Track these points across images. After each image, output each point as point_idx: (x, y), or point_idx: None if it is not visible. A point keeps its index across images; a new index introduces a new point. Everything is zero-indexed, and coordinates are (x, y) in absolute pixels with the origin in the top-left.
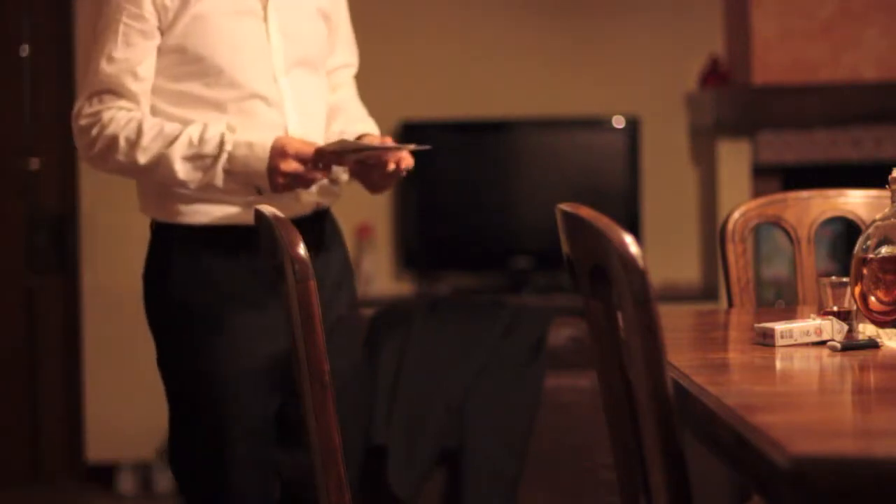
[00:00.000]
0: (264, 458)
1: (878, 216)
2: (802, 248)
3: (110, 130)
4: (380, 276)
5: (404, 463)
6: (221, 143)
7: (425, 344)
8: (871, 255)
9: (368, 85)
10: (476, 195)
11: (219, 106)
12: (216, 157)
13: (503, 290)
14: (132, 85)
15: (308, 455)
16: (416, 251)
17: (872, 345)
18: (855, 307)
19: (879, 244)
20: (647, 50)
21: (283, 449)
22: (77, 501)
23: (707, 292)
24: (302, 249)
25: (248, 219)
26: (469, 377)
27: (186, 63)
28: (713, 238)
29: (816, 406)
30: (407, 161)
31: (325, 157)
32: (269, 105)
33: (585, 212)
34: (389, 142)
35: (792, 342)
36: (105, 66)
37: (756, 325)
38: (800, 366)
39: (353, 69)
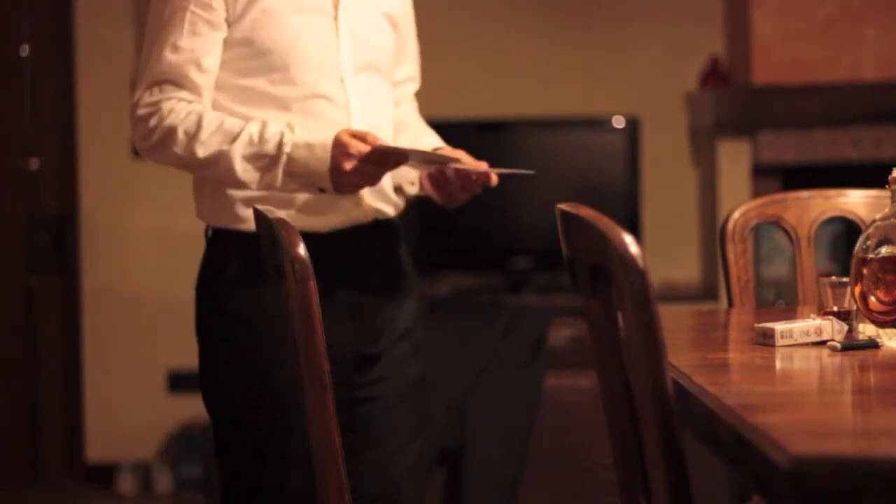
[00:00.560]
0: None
1: (878, 216)
2: (802, 248)
3: (169, 122)
4: None
5: None
6: (280, 145)
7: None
8: (871, 255)
9: None
10: (476, 195)
11: (282, 104)
12: (276, 158)
13: (503, 290)
14: (195, 76)
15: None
16: (415, 251)
17: (872, 345)
18: (855, 307)
19: (879, 244)
20: (647, 50)
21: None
22: (77, 501)
23: (707, 292)
24: (302, 249)
25: (310, 225)
26: (469, 377)
27: (252, 57)
28: (713, 238)
29: (816, 406)
30: (493, 179)
31: (385, 156)
32: (334, 106)
33: (585, 212)
34: (463, 155)
35: (792, 342)
36: (169, 55)
37: (756, 325)
38: (800, 366)
39: (416, 85)
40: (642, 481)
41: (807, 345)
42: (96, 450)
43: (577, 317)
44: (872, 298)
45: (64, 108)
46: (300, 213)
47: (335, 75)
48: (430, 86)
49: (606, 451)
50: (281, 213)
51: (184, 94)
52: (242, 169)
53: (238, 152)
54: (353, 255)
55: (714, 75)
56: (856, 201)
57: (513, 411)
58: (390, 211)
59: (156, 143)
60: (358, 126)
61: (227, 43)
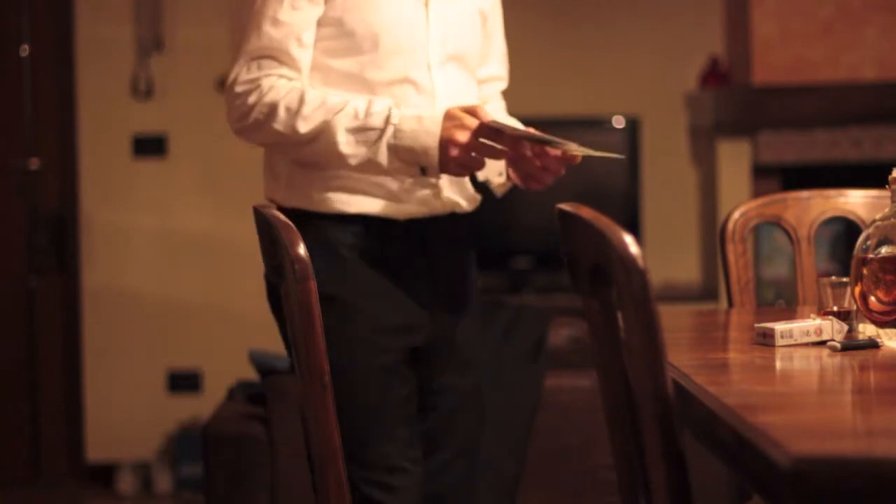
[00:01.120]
0: (404, 438)
1: (878, 216)
2: (802, 248)
3: (269, 98)
4: None
5: None
6: (388, 118)
7: None
8: (871, 255)
9: None
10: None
11: (369, 87)
12: (382, 131)
13: (503, 290)
14: (296, 51)
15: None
16: None
17: (872, 345)
18: (855, 307)
19: (879, 244)
20: (647, 50)
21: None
22: (77, 501)
23: (707, 292)
24: (302, 249)
25: (390, 211)
26: None
27: (341, 37)
28: (713, 238)
29: (816, 406)
30: (577, 159)
31: (494, 136)
32: (420, 93)
33: (585, 212)
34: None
35: (792, 342)
36: (270, 29)
37: (756, 325)
38: (800, 366)
39: (504, 84)
40: (642, 481)
41: (807, 345)
42: (96, 450)
43: (577, 317)
44: (872, 298)
45: (64, 108)
46: (378, 199)
47: (423, 62)
48: None
49: (606, 451)
50: (358, 199)
51: (284, 70)
52: (345, 142)
53: (342, 125)
54: (430, 244)
55: (714, 75)
56: (856, 201)
57: (513, 411)
58: (466, 205)
59: (254, 122)
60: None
61: (318, 21)
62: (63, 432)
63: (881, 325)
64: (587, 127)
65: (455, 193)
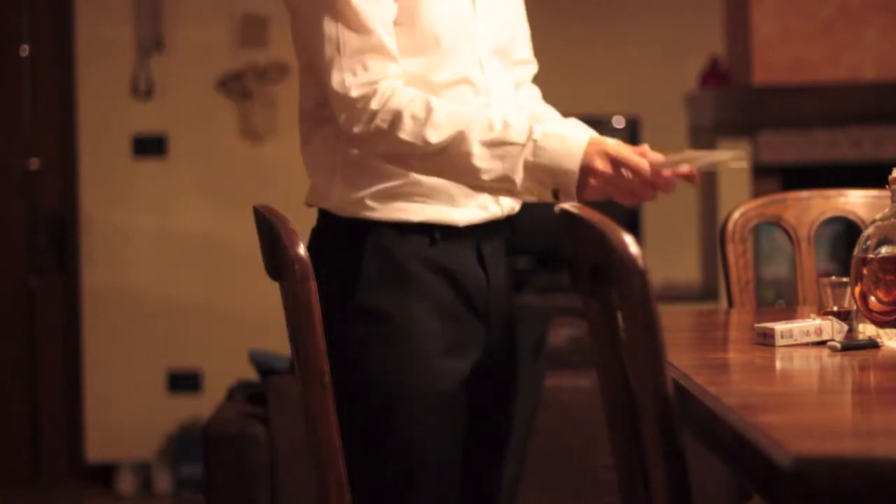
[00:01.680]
0: (451, 484)
1: (878, 216)
2: (802, 248)
3: (393, 104)
4: None
5: None
6: (530, 133)
7: None
8: (871, 255)
9: None
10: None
11: (432, 89)
12: (522, 147)
13: None
14: (389, 41)
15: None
16: None
17: (872, 345)
18: (855, 307)
19: (879, 244)
20: (647, 50)
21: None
22: (77, 501)
23: (707, 292)
24: (302, 249)
25: (453, 217)
26: None
27: (408, 35)
28: (713, 238)
29: (816, 406)
30: (693, 178)
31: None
32: (476, 92)
33: (586, 212)
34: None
35: (792, 342)
36: (362, 24)
37: (756, 325)
38: (800, 366)
39: (535, 68)
40: (642, 481)
41: (807, 345)
42: (96, 450)
43: (577, 317)
44: (872, 298)
45: (64, 108)
46: (440, 205)
47: (475, 60)
48: None
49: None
50: (419, 206)
51: (390, 66)
52: (480, 155)
53: (476, 137)
54: (486, 252)
55: (714, 75)
56: (856, 201)
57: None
58: (517, 207)
59: (376, 130)
60: (497, 112)
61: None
62: (63, 432)
63: (881, 325)
64: None
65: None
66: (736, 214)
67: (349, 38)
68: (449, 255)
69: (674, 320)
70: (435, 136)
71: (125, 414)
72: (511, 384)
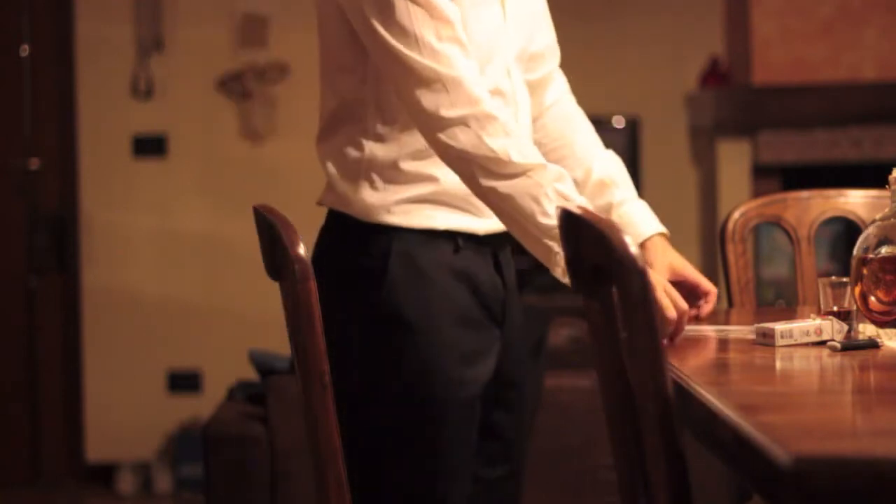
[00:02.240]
0: (465, 487)
1: (878, 216)
2: (802, 248)
3: (488, 106)
4: None
5: None
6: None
7: None
8: (871, 255)
9: None
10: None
11: None
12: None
13: None
14: (462, 35)
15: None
16: None
17: (872, 345)
18: (855, 307)
19: (879, 244)
20: (647, 50)
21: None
22: (77, 501)
23: None
24: (302, 249)
25: (475, 227)
26: None
27: None
28: (713, 238)
29: (816, 406)
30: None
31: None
32: (508, 104)
33: (586, 212)
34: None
35: (792, 342)
36: (451, 15)
37: (756, 325)
38: (800, 366)
39: (558, 53)
40: (642, 481)
41: (807, 345)
42: (96, 450)
43: (577, 317)
44: (872, 298)
45: (64, 108)
46: (465, 214)
47: (504, 67)
48: None
49: (606, 451)
50: (445, 213)
51: (473, 64)
52: (551, 196)
53: (552, 178)
54: (501, 260)
55: (714, 75)
56: (856, 201)
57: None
58: None
59: (466, 120)
60: (523, 123)
61: None
62: (63, 432)
63: (881, 325)
64: None
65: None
66: (736, 214)
67: (439, 27)
68: (470, 262)
69: None
70: (518, 157)
71: (125, 414)
72: (522, 386)
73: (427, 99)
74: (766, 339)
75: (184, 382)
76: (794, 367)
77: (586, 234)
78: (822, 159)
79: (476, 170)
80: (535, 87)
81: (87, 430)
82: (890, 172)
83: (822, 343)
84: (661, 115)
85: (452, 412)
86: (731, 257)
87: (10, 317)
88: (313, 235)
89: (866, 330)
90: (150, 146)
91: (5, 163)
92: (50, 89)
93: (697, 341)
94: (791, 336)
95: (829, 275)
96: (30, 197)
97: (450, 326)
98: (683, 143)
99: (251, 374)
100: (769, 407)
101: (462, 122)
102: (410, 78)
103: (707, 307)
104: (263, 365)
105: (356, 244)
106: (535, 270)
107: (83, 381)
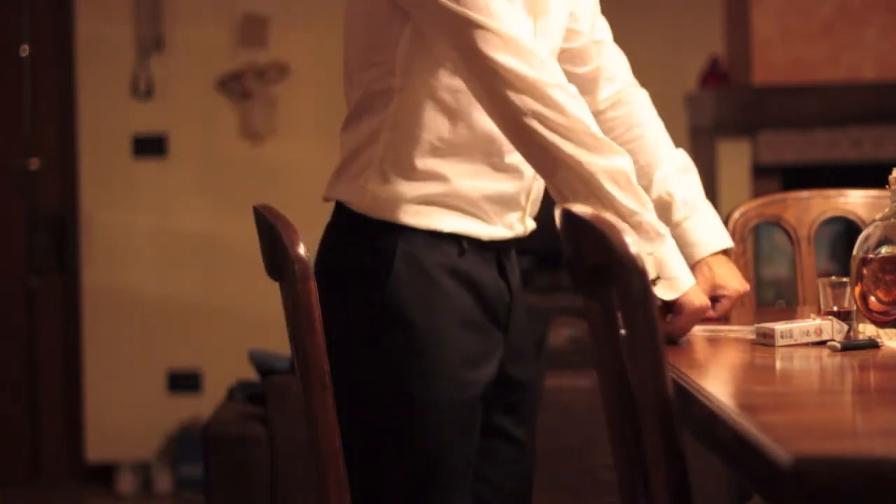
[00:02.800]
0: (465, 490)
1: (878, 216)
2: (802, 248)
3: (572, 88)
4: None
5: None
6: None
7: None
8: (871, 255)
9: None
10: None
11: None
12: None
13: None
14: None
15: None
16: None
17: (872, 345)
18: (855, 307)
19: (879, 244)
20: (647, 50)
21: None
22: (77, 501)
23: None
24: (302, 249)
25: (481, 232)
26: None
27: None
28: None
29: (816, 406)
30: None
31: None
32: None
33: (587, 212)
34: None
35: (792, 342)
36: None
37: (756, 324)
38: (800, 366)
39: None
40: (642, 481)
41: (807, 345)
42: (96, 450)
43: (577, 317)
44: (872, 298)
45: (64, 108)
46: (472, 219)
47: None
48: None
49: (606, 451)
50: (452, 217)
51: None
52: (616, 193)
53: (623, 179)
54: (506, 266)
55: (714, 75)
56: (856, 201)
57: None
58: (534, 228)
59: (553, 87)
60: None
61: None
62: (63, 432)
63: (881, 325)
64: None
65: (530, 218)
66: (736, 214)
67: (517, 23)
68: (474, 266)
69: None
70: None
71: (125, 414)
72: (529, 387)
73: (512, 62)
74: (766, 339)
75: (184, 382)
76: (794, 367)
77: (586, 234)
78: (822, 159)
79: (544, 155)
80: (587, 82)
81: (87, 430)
82: (890, 172)
83: (822, 343)
84: (661, 115)
85: (453, 413)
86: (731, 257)
87: (10, 317)
88: (313, 235)
89: (866, 330)
90: (150, 146)
91: (5, 163)
92: (50, 89)
93: (698, 341)
94: (791, 336)
95: (829, 275)
96: (30, 197)
97: (452, 328)
98: (683, 143)
99: (251, 374)
100: (769, 407)
101: (559, 86)
102: (492, 41)
103: (721, 306)
104: (263, 365)
105: (361, 242)
106: (535, 270)
107: (83, 381)
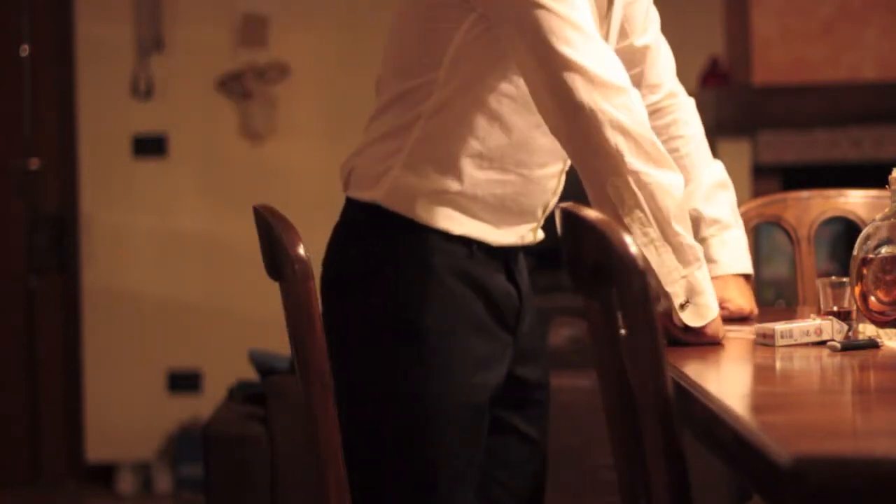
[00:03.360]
0: (469, 492)
1: (878, 216)
2: (802, 248)
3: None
4: None
5: None
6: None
7: None
8: (871, 255)
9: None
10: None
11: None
12: (687, 245)
13: None
14: None
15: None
16: None
17: (872, 345)
18: (855, 307)
19: (879, 244)
20: None
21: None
22: (77, 501)
23: None
24: (301, 249)
25: (491, 238)
26: None
27: None
28: None
29: (816, 406)
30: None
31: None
32: None
33: (586, 212)
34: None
35: (792, 342)
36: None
37: (756, 325)
38: (800, 366)
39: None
40: (642, 481)
41: (807, 345)
42: (96, 450)
43: (577, 317)
44: (872, 298)
45: (64, 108)
46: (484, 224)
47: None
48: None
49: (606, 451)
50: (466, 219)
51: None
52: (672, 218)
53: (673, 207)
54: (516, 272)
55: (714, 75)
56: (856, 201)
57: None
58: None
59: (623, 108)
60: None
61: None
62: (63, 432)
63: (881, 325)
64: None
65: (540, 227)
66: None
67: (586, 25)
68: (482, 270)
69: None
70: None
71: (125, 414)
72: (539, 388)
73: (588, 60)
74: (766, 339)
75: (184, 382)
76: (794, 367)
77: (586, 234)
78: (822, 159)
79: (629, 144)
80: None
81: (87, 430)
82: (890, 172)
83: (822, 343)
84: None
85: (457, 415)
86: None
87: (10, 317)
88: (313, 235)
89: (866, 330)
90: (150, 146)
91: (5, 163)
92: (50, 89)
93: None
94: (791, 336)
95: (829, 275)
96: (30, 197)
97: (459, 330)
98: None
99: (251, 374)
100: (769, 407)
101: (625, 92)
102: (562, 28)
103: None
104: (263, 365)
105: (370, 242)
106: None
107: (83, 381)
